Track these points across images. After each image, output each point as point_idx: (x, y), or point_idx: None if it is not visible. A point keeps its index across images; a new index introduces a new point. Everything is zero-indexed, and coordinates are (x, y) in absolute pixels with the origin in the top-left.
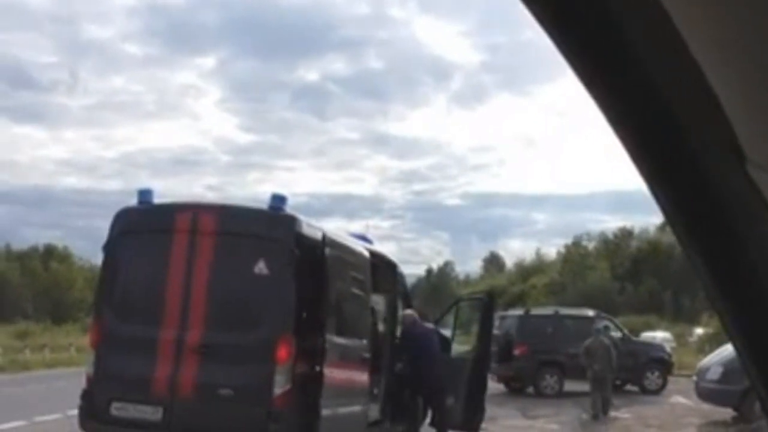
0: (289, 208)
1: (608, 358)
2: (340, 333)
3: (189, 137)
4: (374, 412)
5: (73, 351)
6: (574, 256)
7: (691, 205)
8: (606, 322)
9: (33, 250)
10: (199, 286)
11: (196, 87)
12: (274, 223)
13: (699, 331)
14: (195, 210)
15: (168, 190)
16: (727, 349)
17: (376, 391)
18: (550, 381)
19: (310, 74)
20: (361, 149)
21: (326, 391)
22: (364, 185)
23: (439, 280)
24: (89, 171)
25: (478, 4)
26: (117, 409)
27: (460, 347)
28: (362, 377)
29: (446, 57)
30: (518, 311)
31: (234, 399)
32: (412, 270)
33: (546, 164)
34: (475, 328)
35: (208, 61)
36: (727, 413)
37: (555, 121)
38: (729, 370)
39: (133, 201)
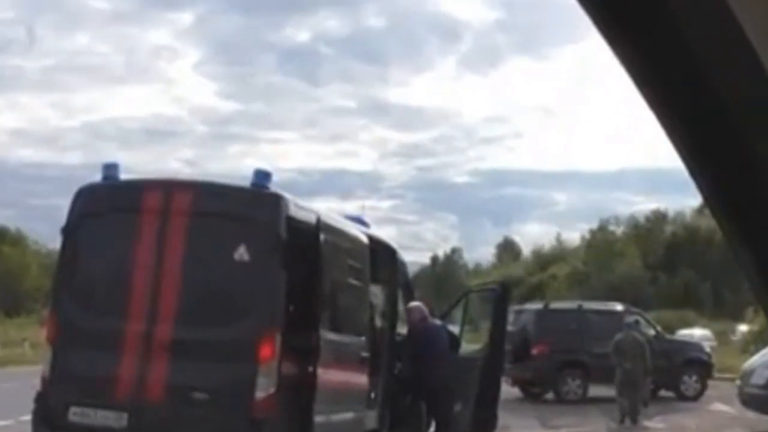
0: (274, 186)
1: (642, 357)
2: (335, 329)
3: (162, 105)
4: (371, 420)
5: (26, 347)
6: (600, 242)
7: (734, 186)
8: (636, 317)
9: None
10: (171, 273)
11: (170, 48)
12: (257, 202)
13: (743, 328)
14: (167, 187)
15: (137, 164)
16: None
17: (373, 395)
18: (572, 385)
19: (300, 34)
20: (357, 119)
21: (320, 395)
22: (361, 160)
23: (445, 269)
24: (47, 142)
25: None
26: (75, 414)
27: (469, 346)
28: (360, 379)
29: (455, 14)
30: (536, 305)
31: (210, 403)
32: (414, 257)
33: (568, 137)
34: (486, 324)
35: (185, 18)
36: None
37: (578, 88)
38: None
39: (97, 177)
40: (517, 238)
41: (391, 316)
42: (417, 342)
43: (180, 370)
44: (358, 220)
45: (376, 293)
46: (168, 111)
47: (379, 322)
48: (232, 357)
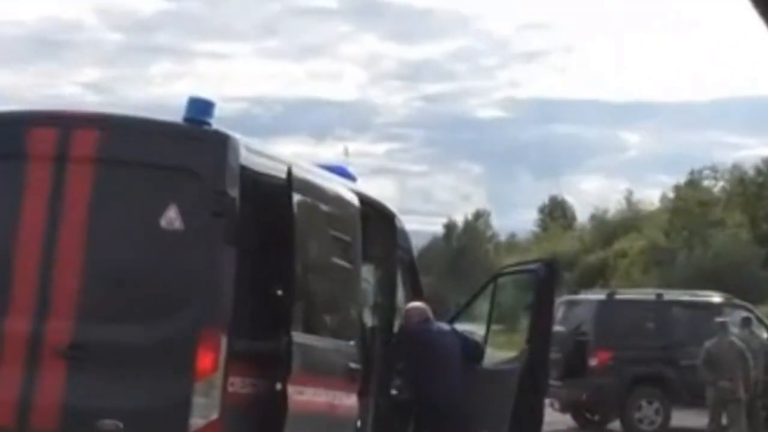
0: (218, 122)
1: (744, 370)
2: (313, 330)
3: (56, 4)
4: None
5: None
6: (690, 204)
7: None
8: (744, 314)
9: None
10: (70, 248)
11: None
12: (193, 145)
13: None
14: (64, 123)
15: (20, 88)
16: None
17: (359, 423)
18: (648, 410)
19: None
20: (338, 24)
21: (291, 424)
22: (343, 85)
23: (465, 242)
24: None
25: None
26: None
27: (499, 353)
28: (347, 401)
29: None
30: (597, 294)
31: None
32: (421, 225)
33: (641, 53)
34: (524, 322)
35: None
36: None
37: None
38: None
39: None
40: (569, 199)
41: (387, 310)
42: (416, 351)
43: (81, 387)
44: (340, 171)
45: (367, 278)
46: (64, 12)
47: (371, 319)
48: (156, 369)
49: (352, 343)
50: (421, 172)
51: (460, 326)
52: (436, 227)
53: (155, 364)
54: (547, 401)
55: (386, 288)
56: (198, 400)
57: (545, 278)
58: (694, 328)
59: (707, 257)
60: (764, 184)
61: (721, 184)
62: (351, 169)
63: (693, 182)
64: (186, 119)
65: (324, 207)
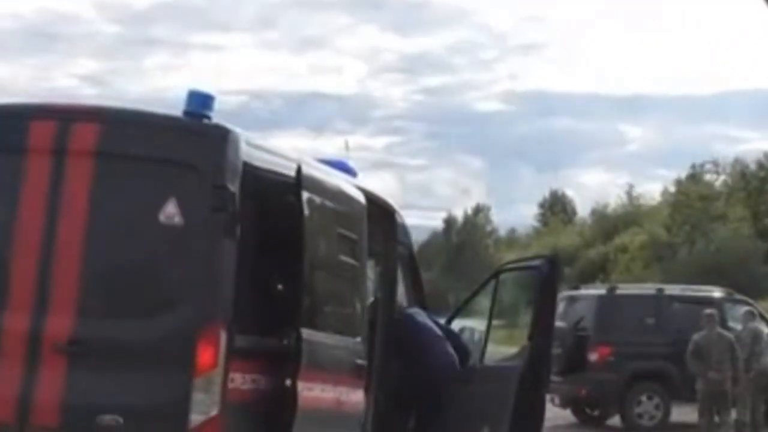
0: (216, 115)
1: (732, 361)
2: (321, 326)
3: None
4: None
5: None
6: (691, 198)
7: None
8: (745, 308)
9: None
10: (68, 243)
11: None
12: (193, 139)
13: None
14: (62, 116)
15: (16, 81)
16: None
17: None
18: (648, 405)
19: None
20: (337, 16)
21: (300, 421)
22: (342, 78)
23: (465, 237)
24: None
25: None
26: None
27: (500, 349)
28: (354, 397)
29: None
30: (598, 289)
31: (123, 431)
32: (420, 219)
33: (641, 46)
34: (525, 318)
35: None
36: None
37: None
38: None
39: None
40: (569, 193)
41: (387, 304)
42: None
43: (81, 384)
44: (340, 166)
45: (368, 274)
46: (60, 5)
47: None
48: (155, 364)
49: (358, 339)
50: (420, 166)
51: (461, 322)
52: (436, 222)
53: (155, 359)
54: (547, 396)
55: (386, 284)
56: (198, 396)
57: (547, 275)
58: (695, 323)
59: (708, 252)
60: (766, 178)
61: (722, 178)
62: (351, 164)
63: (694, 176)
64: (186, 113)
65: (332, 204)
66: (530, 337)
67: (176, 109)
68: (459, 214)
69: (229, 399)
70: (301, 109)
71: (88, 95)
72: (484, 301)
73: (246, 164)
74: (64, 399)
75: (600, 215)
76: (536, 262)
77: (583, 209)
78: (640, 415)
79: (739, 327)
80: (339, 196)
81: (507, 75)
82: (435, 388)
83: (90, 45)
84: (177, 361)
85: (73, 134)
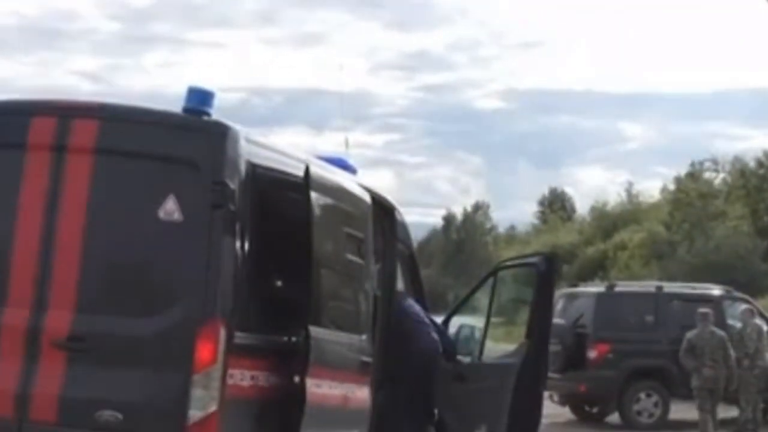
0: (216, 112)
1: (724, 359)
2: (327, 324)
3: None
4: None
5: None
6: (691, 196)
7: None
8: (744, 305)
9: None
10: (68, 238)
11: None
12: (192, 135)
13: None
14: (62, 112)
15: (16, 78)
16: None
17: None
18: (647, 403)
19: None
20: (336, 13)
21: (308, 419)
22: (342, 75)
23: (464, 235)
24: None
25: None
26: None
27: (498, 346)
28: (360, 394)
29: None
30: (597, 287)
31: (122, 426)
32: (420, 217)
33: (641, 43)
34: (524, 315)
35: None
36: None
37: None
38: None
39: None
40: (569, 190)
41: (388, 301)
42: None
43: (80, 380)
44: (340, 163)
45: None
46: (61, 2)
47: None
48: (155, 360)
49: (364, 337)
50: (419, 164)
51: (460, 319)
52: (435, 219)
53: (154, 355)
54: (545, 394)
55: (386, 282)
56: (197, 392)
57: (545, 272)
58: (694, 320)
59: (708, 250)
60: (765, 176)
61: (722, 176)
62: (351, 161)
63: (694, 174)
64: (185, 109)
65: (338, 204)
66: (528, 335)
67: (176, 106)
68: (458, 211)
69: (229, 395)
70: (300, 107)
71: (88, 92)
72: (482, 299)
73: (246, 161)
74: (63, 395)
75: (599, 213)
76: (533, 260)
77: (582, 207)
78: (638, 413)
79: (738, 324)
80: (345, 195)
81: (507, 73)
82: (417, 370)
83: (90, 42)
84: (176, 358)
85: (74, 131)
